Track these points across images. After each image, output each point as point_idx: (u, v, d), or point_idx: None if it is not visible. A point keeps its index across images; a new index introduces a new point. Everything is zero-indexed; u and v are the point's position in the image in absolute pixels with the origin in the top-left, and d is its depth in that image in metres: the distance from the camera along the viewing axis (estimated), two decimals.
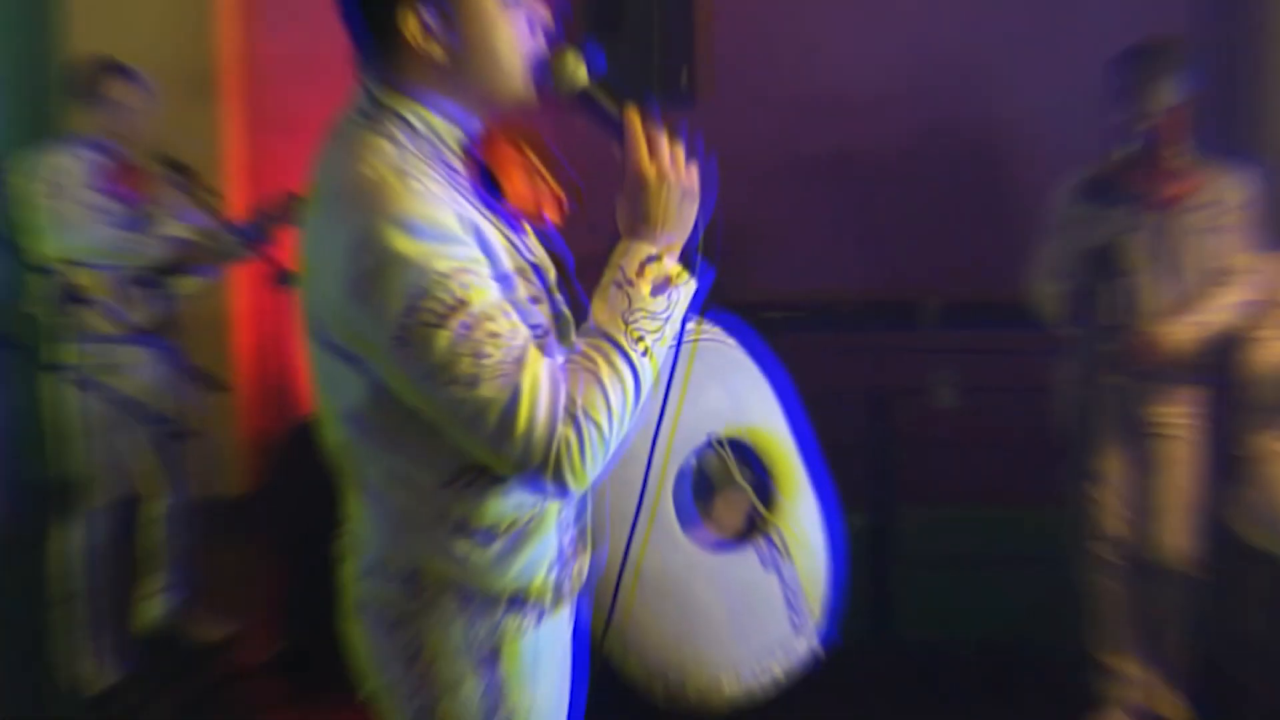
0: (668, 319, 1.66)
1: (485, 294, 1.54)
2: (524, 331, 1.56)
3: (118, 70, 4.26)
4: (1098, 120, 3.69)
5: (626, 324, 1.62)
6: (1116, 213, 3.57)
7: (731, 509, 2.15)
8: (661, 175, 1.64)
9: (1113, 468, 3.75)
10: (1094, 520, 3.78)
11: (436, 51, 1.65)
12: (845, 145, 5.21)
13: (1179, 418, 3.74)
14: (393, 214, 1.52)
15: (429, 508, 1.69)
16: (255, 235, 4.24)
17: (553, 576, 1.79)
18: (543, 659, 1.82)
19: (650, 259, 1.65)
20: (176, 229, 4.25)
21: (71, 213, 4.06)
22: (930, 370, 4.32)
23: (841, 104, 5.18)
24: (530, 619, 1.78)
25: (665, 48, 4.78)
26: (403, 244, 1.51)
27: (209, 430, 4.16)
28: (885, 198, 5.20)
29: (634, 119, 1.67)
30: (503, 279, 1.61)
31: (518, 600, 1.76)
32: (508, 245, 1.67)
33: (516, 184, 1.74)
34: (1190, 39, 3.75)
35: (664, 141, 1.66)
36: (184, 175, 4.20)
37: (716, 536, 2.13)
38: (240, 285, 5.72)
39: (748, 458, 2.15)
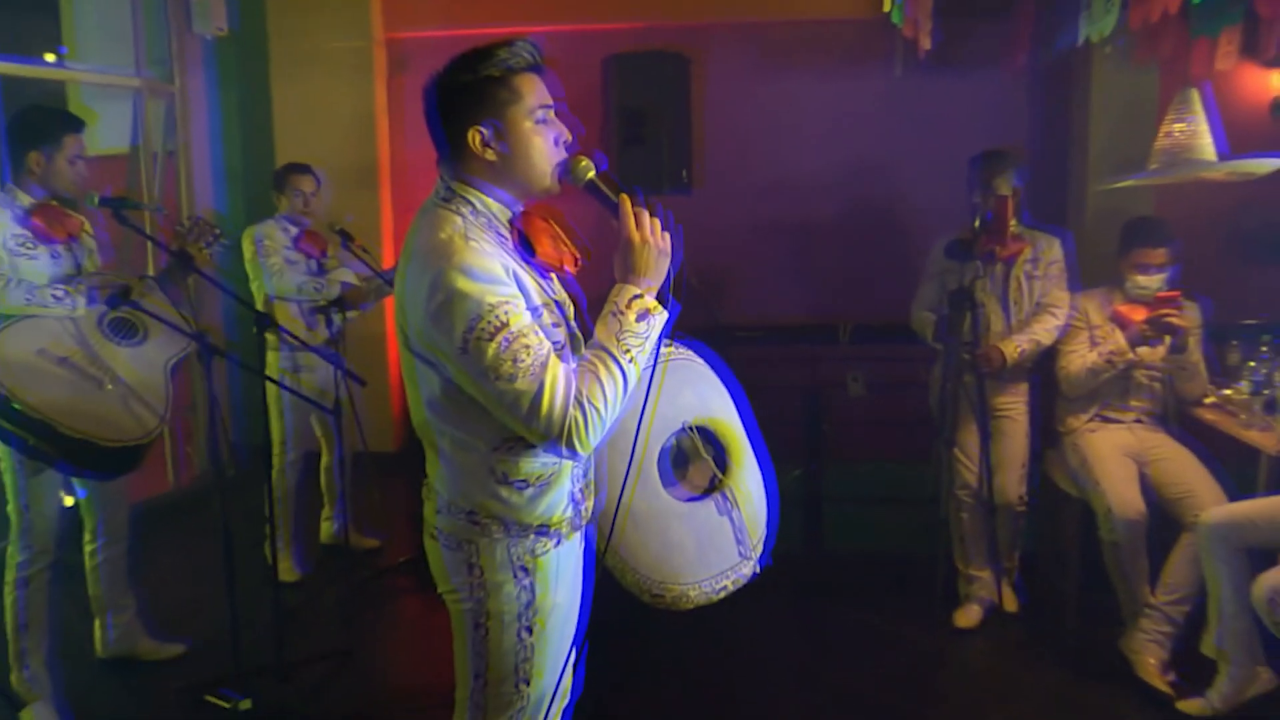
0: (647, 338, 1.68)
1: (520, 319, 1.59)
2: (547, 345, 1.62)
3: (302, 169, 4.24)
4: (961, 200, 3.63)
5: (618, 341, 1.65)
6: (971, 265, 3.51)
7: (698, 473, 2.13)
8: (644, 240, 1.67)
9: (968, 438, 3.69)
10: (955, 474, 3.72)
11: (491, 156, 1.71)
12: (793, 216, 5.19)
13: (1014, 404, 3.68)
14: (458, 263, 1.59)
15: (483, 465, 1.73)
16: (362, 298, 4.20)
17: (568, 513, 1.82)
18: (563, 570, 1.83)
19: (635, 297, 1.67)
20: (344, 276, 4.22)
21: (276, 265, 4.06)
22: (847, 371, 4.27)
23: (791, 188, 5.15)
24: (552, 542, 1.80)
25: (672, 154, 4.76)
26: (464, 284, 1.58)
27: (363, 408, 4.13)
28: (819, 252, 5.19)
29: (625, 202, 1.69)
30: (533, 310, 1.65)
31: (544, 530, 1.78)
32: (538, 287, 1.71)
33: (545, 246, 1.76)
34: (1023, 146, 3.68)
35: (646, 217, 1.68)
36: (348, 238, 4.16)
37: (687, 492, 2.11)
38: (390, 311, 5.71)
39: (710, 439, 2.14)
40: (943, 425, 3.68)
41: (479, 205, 1.71)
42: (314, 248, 4.21)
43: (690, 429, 2.10)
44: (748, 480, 2.16)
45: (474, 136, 1.70)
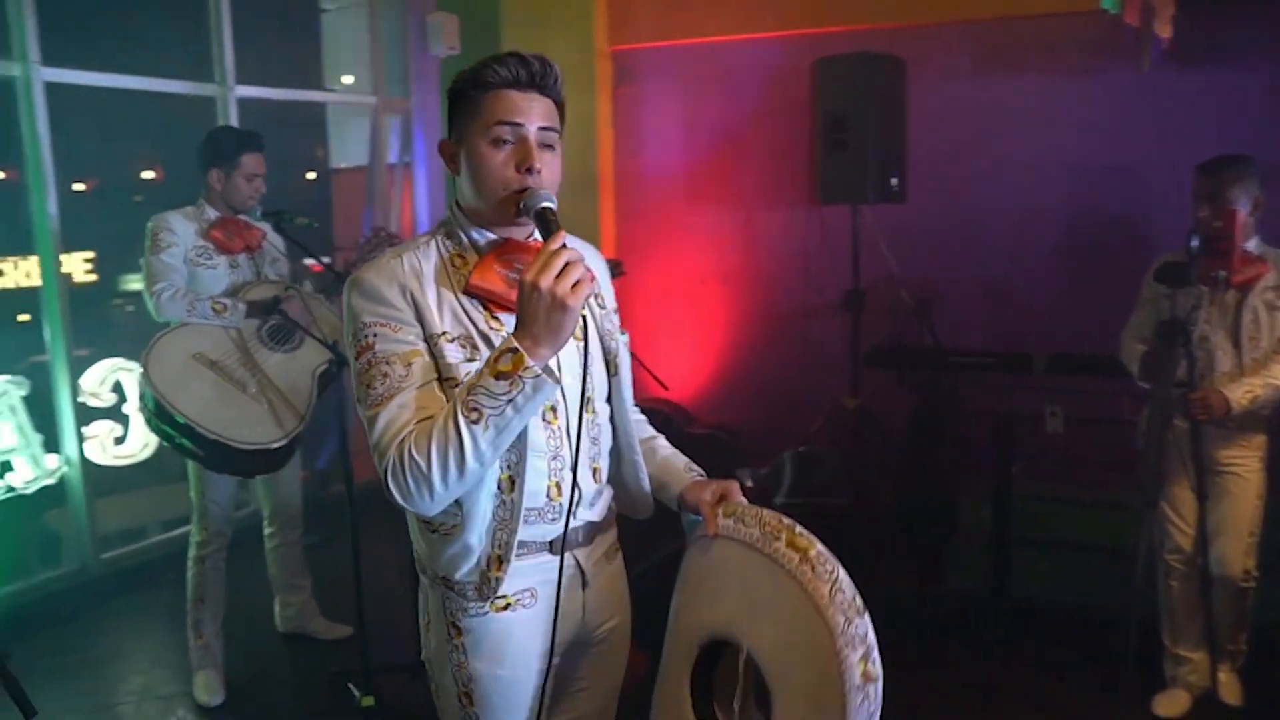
0: (507, 402, 1.38)
1: (388, 345, 1.48)
2: (406, 379, 1.46)
3: None
4: (1181, 218, 3.02)
5: (468, 395, 1.40)
6: (1188, 291, 2.89)
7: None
8: (534, 286, 1.36)
9: (1180, 494, 3.05)
10: (1165, 534, 3.10)
11: (453, 173, 1.61)
12: (1000, 230, 4.62)
13: (1244, 459, 3.00)
14: (356, 278, 1.53)
15: None
16: None
17: (472, 578, 1.58)
18: (497, 642, 1.60)
19: (512, 350, 1.38)
20: None
21: None
22: (1041, 403, 3.69)
23: (1002, 200, 4.58)
24: (464, 604, 1.59)
25: (880, 162, 4.36)
26: (351, 298, 1.52)
27: None
28: (1022, 270, 4.59)
29: (550, 242, 1.41)
30: (428, 338, 1.50)
31: (453, 588, 1.60)
32: (459, 318, 1.53)
33: (491, 280, 1.54)
34: (1258, 157, 2.99)
35: (559, 264, 1.37)
36: None
37: None
38: None
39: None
40: (1148, 476, 3.07)
41: (457, 230, 1.59)
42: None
43: (746, 654, 1.50)
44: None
45: (442, 150, 1.62)
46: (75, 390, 4.04)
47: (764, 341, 5.30)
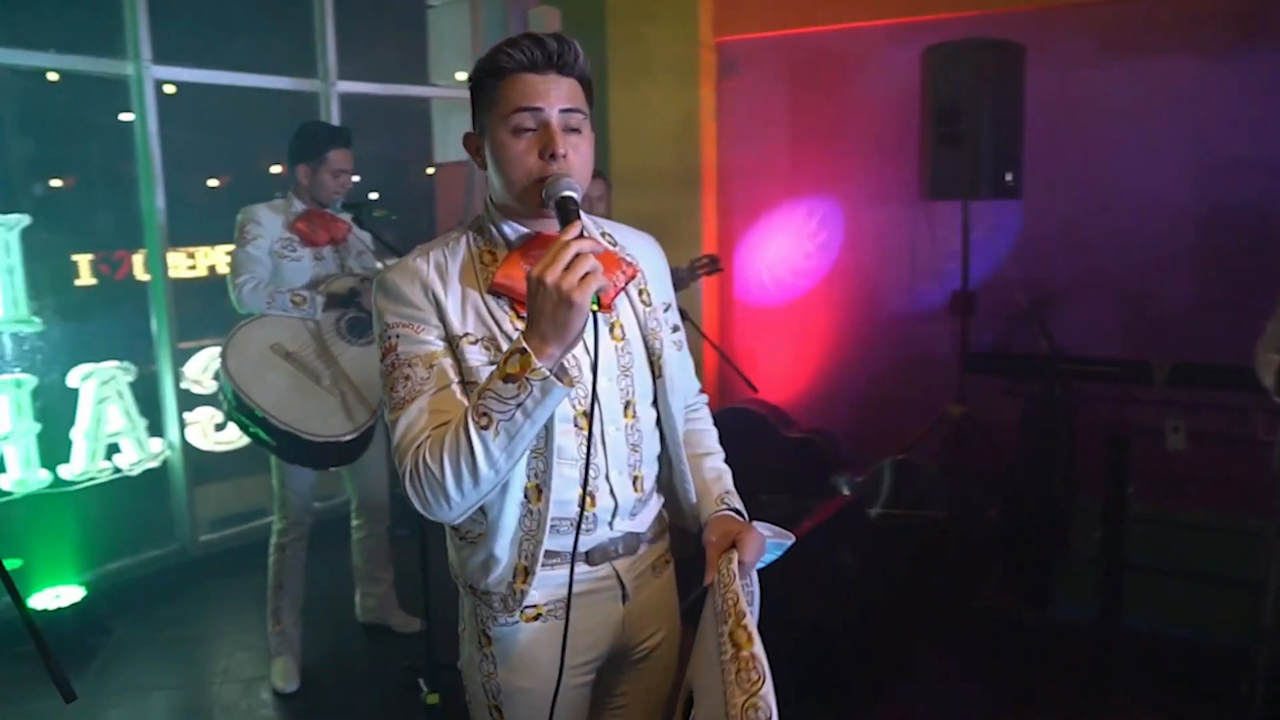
0: (517, 406, 1.29)
1: (411, 346, 1.42)
2: (427, 382, 1.40)
3: (594, 175, 4.18)
4: None
5: (479, 399, 1.31)
6: None
7: None
8: (540, 280, 1.26)
9: None
10: None
11: (480, 165, 1.50)
12: (1123, 229, 4.25)
13: None
14: (381, 278, 1.48)
15: None
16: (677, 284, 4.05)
17: (499, 589, 1.49)
18: (525, 654, 1.53)
19: (521, 351, 1.28)
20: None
21: None
22: (1163, 417, 3.36)
23: (1126, 197, 4.22)
24: (493, 613, 1.51)
25: (995, 156, 4.09)
26: (377, 299, 1.48)
27: None
28: (1144, 273, 4.21)
29: (565, 234, 1.29)
30: (450, 339, 1.43)
31: (477, 594, 1.53)
32: (483, 318, 1.45)
33: (516, 278, 1.44)
34: None
35: (568, 257, 1.26)
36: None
37: None
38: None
39: None
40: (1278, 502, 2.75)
41: (489, 226, 1.51)
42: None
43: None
44: None
45: (467, 143, 1.52)
46: (178, 377, 4.17)
47: (867, 343, 5.07)
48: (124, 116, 4.06)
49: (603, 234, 1.63)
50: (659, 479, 1.66)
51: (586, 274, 1.25)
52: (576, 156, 1.43)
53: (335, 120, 4.61)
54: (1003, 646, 3.42)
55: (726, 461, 1.75)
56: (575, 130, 1.44)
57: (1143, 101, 4.18)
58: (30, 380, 3.75)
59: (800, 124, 5.26)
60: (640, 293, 1.60)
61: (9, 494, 3.71)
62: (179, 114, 4.39)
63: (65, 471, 3.85)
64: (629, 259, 1.61)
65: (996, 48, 4.12)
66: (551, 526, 1.47)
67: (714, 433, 1.80)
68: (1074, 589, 3.64)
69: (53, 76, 4.08)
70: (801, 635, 2.91)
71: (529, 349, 1.28)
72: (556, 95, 1.42)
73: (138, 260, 4.26)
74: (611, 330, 1.54)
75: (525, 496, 1.45)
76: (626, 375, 1.54)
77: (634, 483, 1.56)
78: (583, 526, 1.50)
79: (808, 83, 5.20)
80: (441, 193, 5.52)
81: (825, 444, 4.71)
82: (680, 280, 4.08)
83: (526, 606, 1.50)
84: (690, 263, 4.13)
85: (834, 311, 5.22)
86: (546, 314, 1.26)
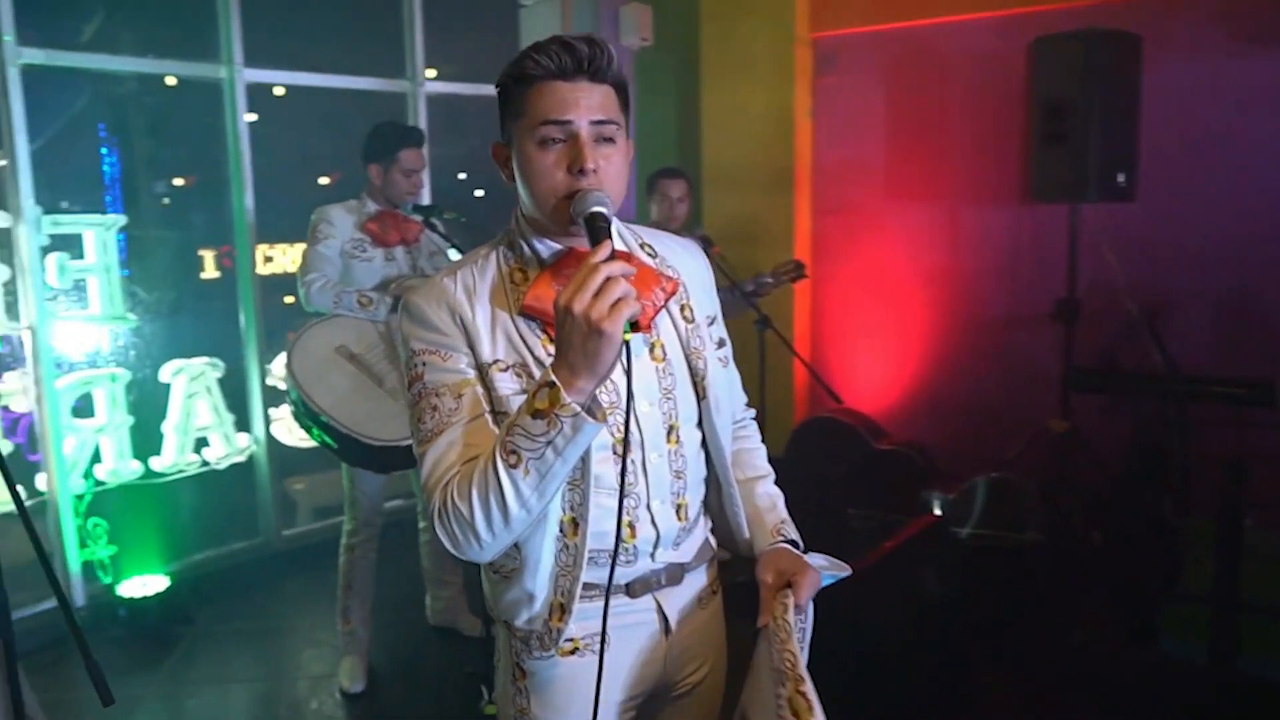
0: (547, 444, 1.19)
1: (438, 375, 1.33)
2: (456, 413, 1.31)
3: (672, 174, 4.07)
4: None
5: (506, 436, 1.22)
6: None
7: None
8: (567, 308, 1.16)
9: None
10: None
11: (507, 179, 1.40)
12: (1245, 236, 3.88)
13: None
14: (406, 301, 1.39)
15: None
16: (754, 292, 3.90)
17: (535, 626, 1.40)
18: (560, 690, 1.43)
19: (550, 384, 1.18)
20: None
21: None
22: None
23: (1252, 204, 3.86)
24: (528, 649, 1.42)
25: (1105, 155, 3.81)
26: (404, 323, 1.38)
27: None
28: (1268, 288, 3.84)
29: (593, 255, 1.19)
30: (479, 366, 1.34)
31: (512, 629, 1.44)
32: (514, 343, 1.35)
33: (547, 299, 1.34)
34: None
35: (597, 282, 1.15)
36: (710, 248, 3.91)
37: None
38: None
39: None
40: None
41: (518, 241, 1.41)
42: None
43: None
44: None
45: (496, 154, 1.42)
46: (264, 374, 4.23)
47: (964, 352, 4.81)
48: (248, 117, 4.14)
49: (641, 245, 1.52)
50: (706, 503, 1.56)
51: (618, 300, 1.15)
52: (609, 169, 1.32)
53: (422, 121, 4.61)
54: (1100, 688, 3.16)
55: (789, 479, 1.65)
56: (608, 140, 1.33)
57: (1273, 95, 3.82)
58: (124, 375, 3.86)
59: (898, 122, 5.03)
60: (682, 309, 1.49)
61: (103, 483, 3.82)
62: (285, 115, 4.48)
63: (156, 464, 3.95)
64: (670, 271, 1.50)
65: (1109, 39, 3.83)
66: (590, 559, 1.38)
67: (763, 451, 1.69)
68: (1182, 627, 3.34)
69: (171, 81, 4.20)
70: (874, 666, 2.74)
71: (558, 382, 1.18)
72: (587, 105, 1.31)
73: (259, 254, 4.34)
74: (651, 351, 1.43)
75: (561, 530, 1.36)
76: (669, 398, 1.43)
77: (677, 511, 1.46)
78: (622, 558, 1.42)
79: (907, 79, 4.96)
80: None
81: (917, 457, 4.49)
82: (764, 286, 3.93)
83: (564, 640, 1.41)
84: (775, 268, 3.98)
85: (930, 318, 4.98)
86: (576, 345, 1.16)
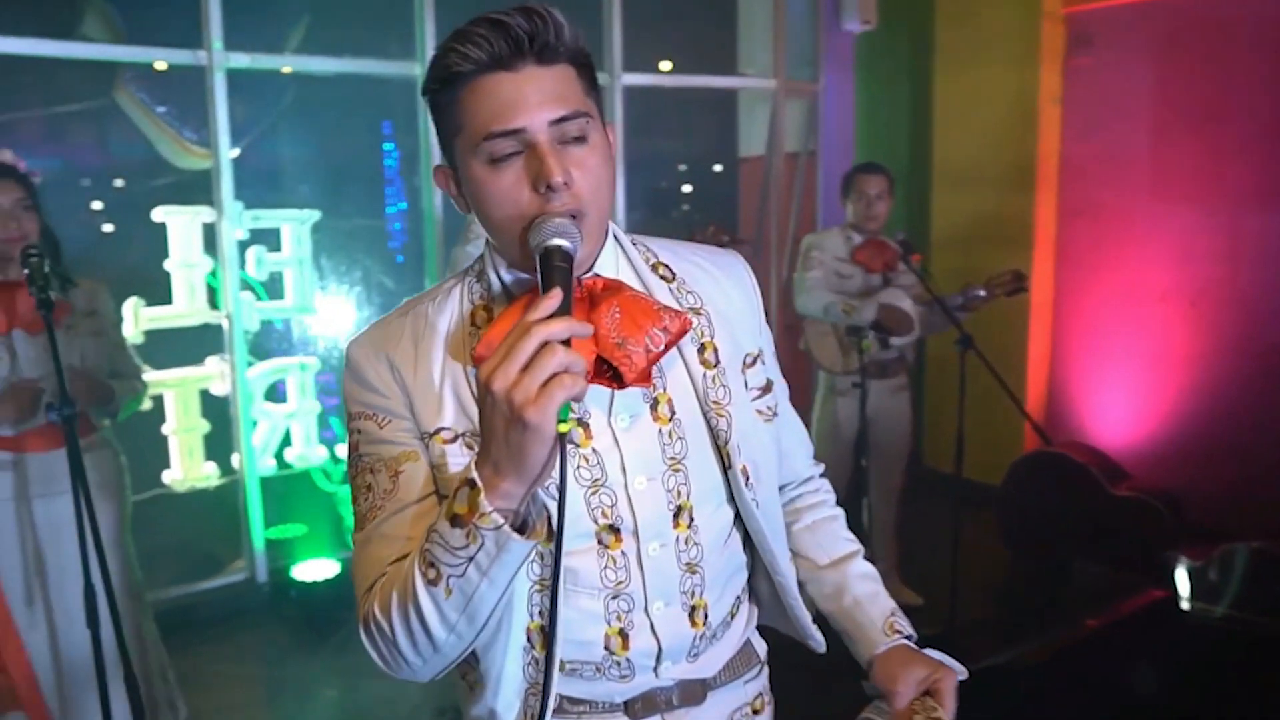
0: (469, 559, 0.90)
1: (371, 447, 1.06)
2: (391, 495, 1.03)
3: (871, 169, 3.60)
4: None
5: (425, 544, 0.94)
6: None
7: None
8: (487, 384, 0.86)
9: None
10: None
11: (466, 210, 1.07)
12: None
13: None
14: (347, 351, 1.11)
15: None
16: (963, 306, 3.39)
17: None
18: None
19: (469, 483, 0.89)
20: (895, 297, 3.49)
21: (811, 280, 3.58)
22: None
23: None
24: None
25: None
26: (344, 375, 1.10)
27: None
28: None
29: (531, 310, 0.87)
30: (423, 436, 1.04)
31: None
32: (464, 405, 1.04)
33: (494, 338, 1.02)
34: None
35: (524, 347, 0.84)
36: (908, 250, 3.42)
37: None
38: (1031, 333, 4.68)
39: None
40: None
41: (488, 273, 1.10)
42: (875, 260, 3.56)
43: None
44: None
45: (437, 179, 1.10)
46: None
47: (1235, 385, 3.95)
48: None
49: (654, 265, 1.15)
50: (754, 593, 1.21)
51: (553, 377, 0.84)
52: (585, 178, 0.99)
53: (618, 113, 4.38)
54: None
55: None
56: (578, 140, 1.00)
57: None
58: (314, 363, 3.95)
59: (1168, 107, 4.19)
60: (701, 349, 1.11)
61: (290, 466, 3.94)
62: None
63: (341, 451, 4.03)
64: (691, 299, 1.13)
65: None
66: (571, 670, 1.08)
67: (843, 516, 1.32)
68: None
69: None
70: None
71: (479, 482, 0.89)
72: (540, 100, 0.97)
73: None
74: (654, 409, 1.08)
75: (529, 641, 1.06)
76: (677, 470, 1.08)
77: (690, 615, 1.10)
78: (614, 672, 1.09)
79: (1180, 56, 4.12)
80: (745, 190, 5.14)
81: (1163, 509, 3.73)
82: (975, 301, 3.41)
83: None
84: (989, 280, 3.44)
85: (1195, 342, 4.12)
86: (499, 434, 0.87)
